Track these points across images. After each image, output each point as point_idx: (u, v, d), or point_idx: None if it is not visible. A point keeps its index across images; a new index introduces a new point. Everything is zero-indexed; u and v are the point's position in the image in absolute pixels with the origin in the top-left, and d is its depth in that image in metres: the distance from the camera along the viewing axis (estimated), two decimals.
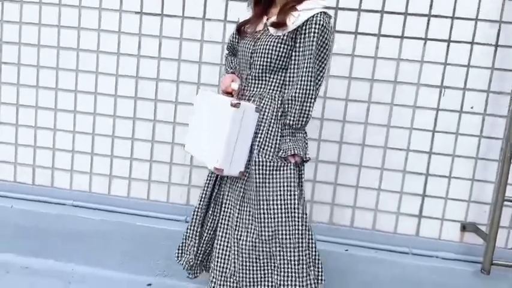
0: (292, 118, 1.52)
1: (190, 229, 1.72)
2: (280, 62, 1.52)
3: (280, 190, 1.51)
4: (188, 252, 1.73)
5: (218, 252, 1.62)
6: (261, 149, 1.53)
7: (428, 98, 2.09)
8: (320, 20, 1.44)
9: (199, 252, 1.72)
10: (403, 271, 2.09)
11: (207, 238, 1.71)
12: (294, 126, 1.52)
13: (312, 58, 1.46)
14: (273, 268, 1.55)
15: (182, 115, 2.23)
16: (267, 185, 1.52)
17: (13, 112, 2.32)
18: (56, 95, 2.29)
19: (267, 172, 1.52)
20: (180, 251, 1.75)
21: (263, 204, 1.51)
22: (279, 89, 1.56)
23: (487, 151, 2.09)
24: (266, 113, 1.54)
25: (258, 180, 1.52)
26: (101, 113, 2.27)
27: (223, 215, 1.65)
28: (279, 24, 1.48)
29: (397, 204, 2.17)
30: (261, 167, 1.52)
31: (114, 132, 2.28)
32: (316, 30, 1.44)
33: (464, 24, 2.02)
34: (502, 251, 2.11)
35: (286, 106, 1.52)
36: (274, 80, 1.55)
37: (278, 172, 1.52)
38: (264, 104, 1.55)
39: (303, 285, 1.52)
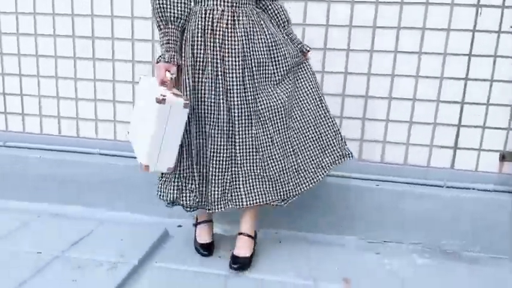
0: (289, 21, 1.76)
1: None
2: None
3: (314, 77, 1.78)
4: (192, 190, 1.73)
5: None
6: (292, 51, 1.70)
7: (464, 19, 1.94)
8: None
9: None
10: (438, 204, 2.01)
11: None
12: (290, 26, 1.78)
13: None
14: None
15: None
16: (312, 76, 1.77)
17: (34, 63, 2.32)
18: (73, 43, 2.26)
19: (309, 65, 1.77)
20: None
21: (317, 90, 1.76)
22: (256, 3, 1.70)
23: None
24: (268, 27, 1.66)
25: (310, 74, 1.75)
26: (119, 59, 2.24)
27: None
28: None
29: (431, 136, 2.06)
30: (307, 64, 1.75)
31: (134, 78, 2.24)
32: None
33: None
34: None
35: (279, 13, 1.73)
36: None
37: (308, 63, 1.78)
38: (259, 20, 1.64)
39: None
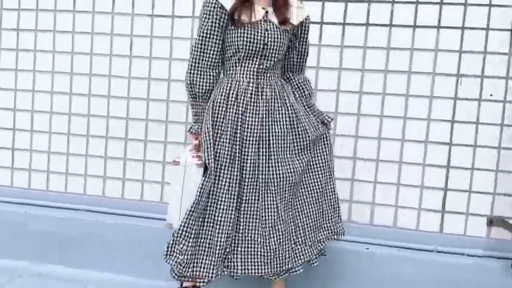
0: (311, 94, 1.83)
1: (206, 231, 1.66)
2: (285, 53, 1.75)
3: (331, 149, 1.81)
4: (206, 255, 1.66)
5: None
6: (313, 123, 1.75)
7: (445, 88, 2.03)
8: (310, 19, 1.77)
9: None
10: (428, 269, 1.98)
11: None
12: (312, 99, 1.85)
13: (308, 50, 1.80)
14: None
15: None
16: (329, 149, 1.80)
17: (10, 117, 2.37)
18: (51, 98, 2.32)
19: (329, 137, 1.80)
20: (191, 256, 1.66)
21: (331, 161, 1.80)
22: (280, 74, 1.76)
23: (510, 140, 2.01)
24: (289, 99, 1.70)
25: (327, 147, 1.77)
26: (95, 114, 2.30)
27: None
28: (286, 21, 1.66)
29: (419, 199, 2.08)
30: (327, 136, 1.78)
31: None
32: (309, 29, 1.77)
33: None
34: None
35: (303, 86, 1.80)
36: (279, 68, 1.74)
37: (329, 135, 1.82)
38: (282, 92, 1.70)
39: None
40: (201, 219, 1.63)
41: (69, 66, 2.31)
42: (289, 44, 1.73)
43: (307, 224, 1.73)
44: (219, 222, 1.61)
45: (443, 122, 2.04)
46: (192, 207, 1.60)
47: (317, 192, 1.74)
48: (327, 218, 1.78)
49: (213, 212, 1.63)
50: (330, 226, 1.78)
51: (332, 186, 1.78)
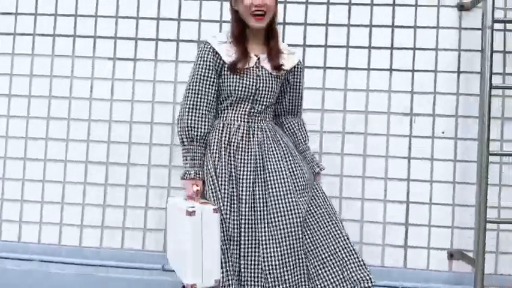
0: (308, 140, 1.83)
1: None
2: (277, 97, 1.79)
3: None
4: None
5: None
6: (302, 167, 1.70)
7: (400, 126, 2.13)
8: (302, 64, 1.83)
9: None
10: None
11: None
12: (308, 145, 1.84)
13: (302, 94, 1.84)
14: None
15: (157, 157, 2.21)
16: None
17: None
18: (25, 144, 2.24)
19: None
20: None
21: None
22: (272, 118, 1.78)
23: (464, 175, 2.10)
24: (283, 140, 1.71)
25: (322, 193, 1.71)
26: (72, 160, 2.23)
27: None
28: (279, 68, 1.71)
29: (382, 236, 2.11)
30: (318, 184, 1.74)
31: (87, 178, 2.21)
32: (302, 74, 1.82)
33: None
34: (492, 277, 2.04)
35: (296, 130, 1.82)
36: (270, 112, 1.76)
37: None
38: (274, 134, 1.71)
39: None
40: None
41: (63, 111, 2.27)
42: (281, 89, 1.78)
43: (325, 273, 1.58)
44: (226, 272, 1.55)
45: (401, 159, 2.13)
46: (225, 256, 1.54)
47: (328, 236, 1.62)
48: (349, 267, 1.59)
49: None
50: (357, 275, 1.58)
51: (341, 227, 1.65)
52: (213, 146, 1.65)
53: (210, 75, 1.66)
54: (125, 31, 2.22)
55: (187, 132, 1.64)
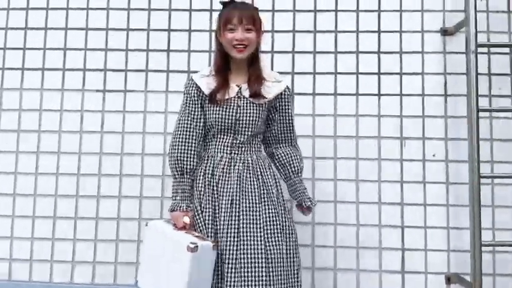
0: (301, 171, 1.79)
1: None
2: (263, 126, 1.76)
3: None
4: None
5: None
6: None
7: (391, 150, 2.14)
8: (290, 91, 1.81)
9: None
10: None
11: None
12: (301, 177, 1.79)
13: (292, 121, 1.80)
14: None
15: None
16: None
17: None
18: (15, 179, 2.20)
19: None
20: None
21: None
22: (260, 148, 1.77)
23: (457, 197, 2.10)
24: (263, 175, 1.68)
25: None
26: (62, 194, 2.19)
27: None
28: (259, 95, 1.70)
29: (378, 262, 2.08)
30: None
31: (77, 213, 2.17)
32: (290, 100, 1.80)
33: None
34: None
35: (289, 162, 1.77)
36: (256, 142, 1.74)
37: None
38: (256, 168, 1.69)
39: None
40: None
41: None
42: (269, 117, 1.77)
43: None
44: None
45: (393, 183, 2.13)
46: None
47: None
48: None
49: None
50: None
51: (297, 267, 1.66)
52: (199, 178, 1.68)
53: (195, 110, 1.71)
54: (115, 63, 2.23)
55: (176, 165, 1.67)
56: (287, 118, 1.79)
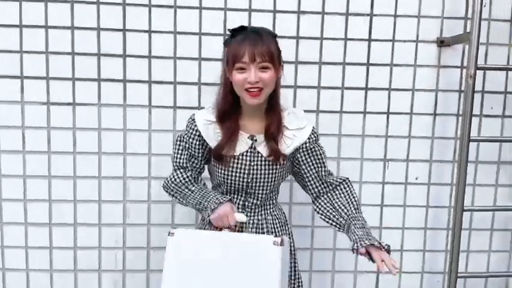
0: (351, 208, 1.45)
1: None
2: (280, 183, 1.50)
3: None
4: None
5: None
6: None
7: (373, 171, 2.01)
8: (315, 136, 1.47)
9: None
10: None
11: None
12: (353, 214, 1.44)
13: (323, 162, 1.48)
14: None
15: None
16: None
17: None
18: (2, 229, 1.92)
19: None
20: None
21: None
22: (275, 202, 1.52)
23: (435, 221, 2.05)
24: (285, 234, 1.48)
25: None
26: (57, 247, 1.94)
27: None
28: (277, 154, 1.38)
29: (353, 285, 2.06)
30: None
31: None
32: (316, 145, 1.46)
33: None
34: None
35: (332, 211, 1.45)
36: (273, 197, 1.50)
37: None
38: (276, 227, 1.47)
39: None
40: None
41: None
42: (294, 170, 1.48)
43: None
44: None
45: (374, 207, 2.02)
46: None
47: None
48: None
49: None
50: None
51: None
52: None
53: (194, 163, 1.45)
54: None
55: (171, 184, 1.44)
56: (314, 170, 1.45)
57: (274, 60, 1.33)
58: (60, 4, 1.82)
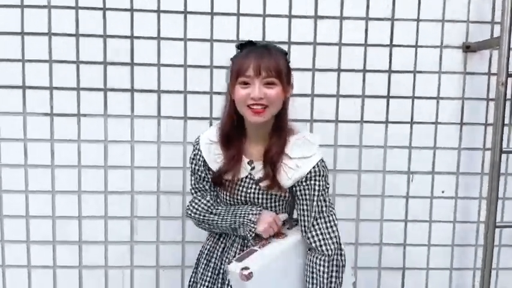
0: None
1: None
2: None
3: None
4: None
5: None
6: None
7: (396, 184, 1.88)
8: (322, 171, 1.27)
9: None
10: None
11: None
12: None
13: (315, 205, 1.27)
14: None
15: None
16: None
17: None
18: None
19: None
20: None
21: None
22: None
23: (463, 237, 1.92)
24: None
25: None
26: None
27: None
28: (272, 185, 1.25)
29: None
30: None
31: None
32: (317, 184, 1.26)
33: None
34: None
35: (308, 275, 1.27)
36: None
37: None
38: None
39: None
40: None
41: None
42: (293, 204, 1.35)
43: None
44: None
45: (397, 222, 1.90)
46: None
47: None
48: None
49: None
50: None
51: None
52: (203, 253, 1.39)
53: (202, 175, 1.36)
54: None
55: (195, 215, 1.35)
56: (306, 207, 1.27)
57: (282, 77, 1.22)
58: (63, 10, 1.73)
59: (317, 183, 1.25)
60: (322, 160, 1.29)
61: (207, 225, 1.35)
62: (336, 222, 1.28)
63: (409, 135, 1.86)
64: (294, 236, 1.32)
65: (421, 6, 1.80)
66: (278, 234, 1.31)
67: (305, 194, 1.26)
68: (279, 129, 1.26)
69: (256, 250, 1.22)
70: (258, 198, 1.29)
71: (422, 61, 1.83)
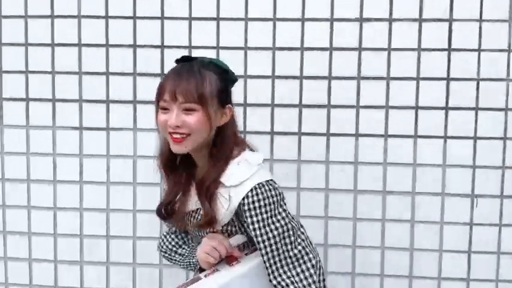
0: None
1: None
2: None
3: None
4: None
5: None
6: None
7: (458, 209, 1.63)
8: (259, 196, 1.03)
9: None
10: None
11: None
12: None
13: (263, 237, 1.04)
14: None
15: None
16: None
17: None
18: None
19: None
20: None
21: None
22: None
23: None
24: None
25: None
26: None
27: None
28: (207, 224, 1.07)
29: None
30: None
31: None
32: (255, 208, 1.03)
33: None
34: None
35: None
36: None
37: None
38: None
39: None
40: None
41: None
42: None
43: None
44: None
45: (459, 253, 1.64)
46: None
47: None
48: None
49: None
50: None
51: None
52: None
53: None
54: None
55: (162, 253, 1.30)
56: (263, 245, 1.03)
57: (205, 100, 1.03)
58: (92, 20, 1.67)
59: (259, 214, 1.03)
60: (263, 184, 1.04)
61: (175, 263, 1.28)
62: (305, 258, 1.04)
63: (473, 152, 1.61)
64: (250, 261, 1.09)
65: (483, 5, 1.59)
66: (230, 260, 1.09)
67: (253, 230, 1.04)
68: (216, 156, 1.08)
69: (200, 278, 1.06)
70: (195, 232, 1.14)
71: (486, 67, 1.59)
